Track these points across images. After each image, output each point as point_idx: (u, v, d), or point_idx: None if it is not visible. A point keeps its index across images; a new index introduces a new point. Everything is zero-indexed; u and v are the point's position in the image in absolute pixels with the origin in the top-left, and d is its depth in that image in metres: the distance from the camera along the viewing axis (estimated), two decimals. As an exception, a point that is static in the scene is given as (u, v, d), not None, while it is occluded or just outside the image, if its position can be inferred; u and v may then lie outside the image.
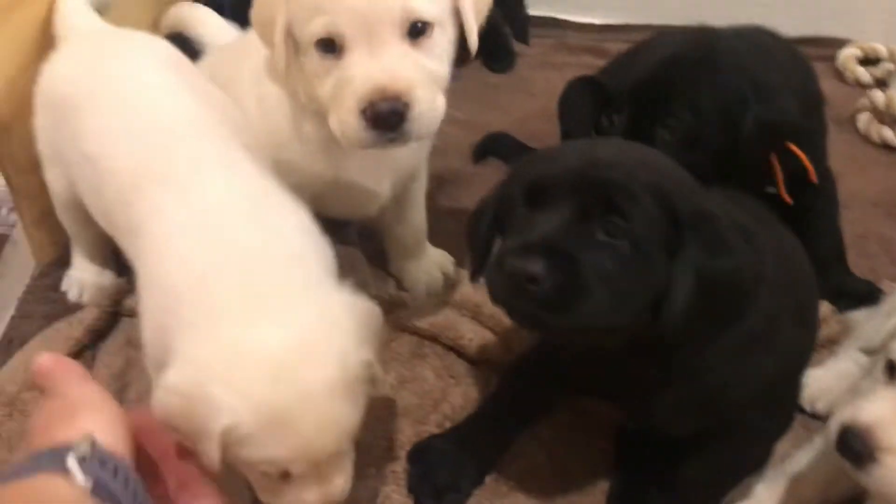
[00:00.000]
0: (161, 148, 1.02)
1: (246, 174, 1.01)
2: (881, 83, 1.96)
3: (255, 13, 1.09)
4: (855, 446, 0.87)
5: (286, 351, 0.85)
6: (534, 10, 2.09)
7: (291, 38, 1.04)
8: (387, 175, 1.23)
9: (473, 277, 1.04)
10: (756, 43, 1.36)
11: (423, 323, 1.32)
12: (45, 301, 1.39)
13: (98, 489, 0.73)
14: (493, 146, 1.75)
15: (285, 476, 0.89)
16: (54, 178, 1.24)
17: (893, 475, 0.85)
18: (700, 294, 0.86)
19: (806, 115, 1.32)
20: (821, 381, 1.25)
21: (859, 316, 1.35)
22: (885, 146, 1.81)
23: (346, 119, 0.99)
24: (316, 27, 0.98)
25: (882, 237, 1.60)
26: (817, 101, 1.42)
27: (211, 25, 1.64)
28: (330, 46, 0.99)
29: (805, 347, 1.09)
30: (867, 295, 1.42)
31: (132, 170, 1.01)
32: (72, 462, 0.72)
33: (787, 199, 1.32)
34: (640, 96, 1.29)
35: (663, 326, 0.87)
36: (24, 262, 1.49)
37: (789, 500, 1.11)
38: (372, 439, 1.18)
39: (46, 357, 0.87)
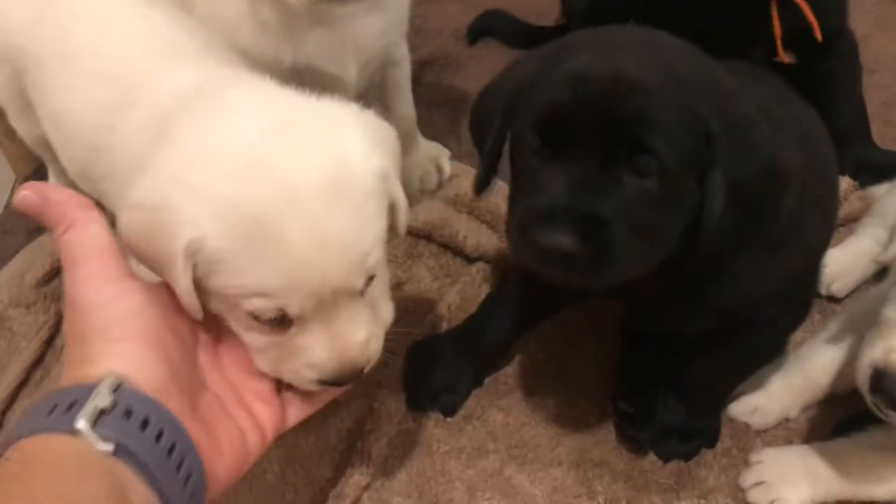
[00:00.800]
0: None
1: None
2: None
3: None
4: (892, 390, 0.83)
5: (265, 142, 0.69)
6: None
7: None
8: (350, 58, 1.11)
9: (478, 189, 0.92)
10: None
11: (417, 221, 1.26)
12: (26, 216, 1.34)
13: (120, 451, 0.60)
14: (491, 25, 1.64)
15: (283, 325, 0.73)
16: (22, 127, 1.16)
17: None
18: (734, 205, 0.78)
19: None
20: (839, 262, 1.20)
21: (880, 190, 1.26)
22: (915, 2, 1.66)
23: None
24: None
25: (905, 103, 1.49)
26: None
27: None
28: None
29: (826, 235, 1.00)
30: (891, 166, 1.32)
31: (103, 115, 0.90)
32: (84, 422, 0.59)
33: (784, 58, 1.21)
34: None
35: (700, 247, 0.80)
36: (3, 178, 1.44)
37: (802, 390, 1.07)
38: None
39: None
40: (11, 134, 1.32)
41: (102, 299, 0.66)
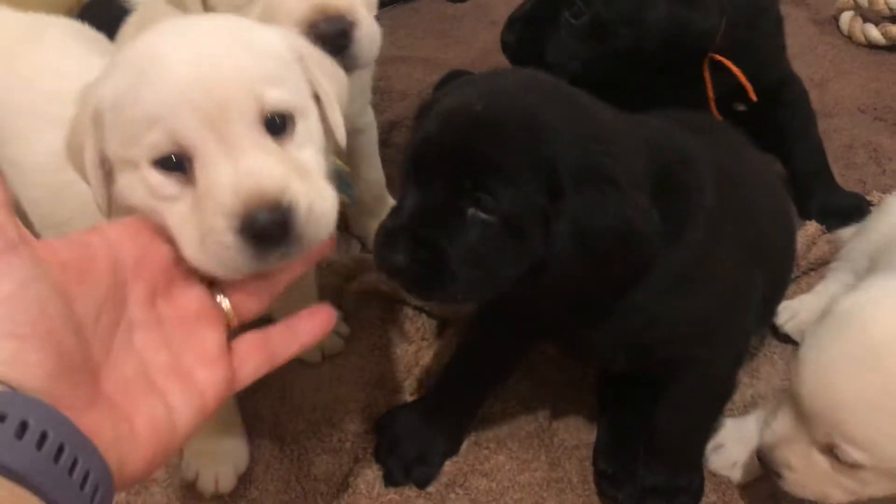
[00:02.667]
0: None
1: None
2: (864, -23, 1.84)
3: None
4: (766, 463, 0.94)
5: (192, 27, 0.76)
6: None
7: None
8: None
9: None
10: None
11: (390, 285, 1.25)
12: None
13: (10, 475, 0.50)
14: (456, 84, 1.65)
15: (188, 171, 0.71)
16: None
17: (796, 485, 0.92)
18: (581, 255, 0.81)
19: (746, 27, 1.22)
20: (810, 309, 1.20)
21: (846, 234, 1.28)
22: (871, 46, 1.71)
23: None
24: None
25: (870, 145, 1.52)
26: (763, 10, 1.29)
27: None
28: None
29: (751, 279, 1.00)
30: (855, 209, 1.35)
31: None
32: None
33: (717, 115, 1.25)
34: None
35: (544, 285, 0.84)
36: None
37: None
38: (344, 412, 1.13)
39: None
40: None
41: None
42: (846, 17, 1.74)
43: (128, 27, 1.30)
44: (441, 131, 0.83)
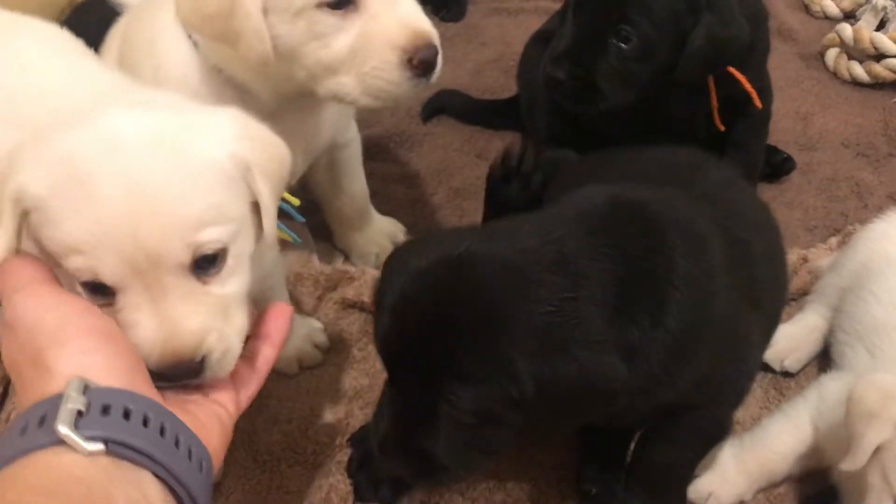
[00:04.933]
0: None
1: None
2: (849, 16, 1.88)
3: None
4: None
5: (120, 116, 0.72)
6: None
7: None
8: (299, 149, 1.09)
9: None
10: None
11: (369, 299, 1.25)
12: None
13: (112, 447, 0.58)
14: (444, 103, 1.66)
15: (106, 294, 0.72)
16: None
17: None
18: (552, 407, 0.81)
19: (751, 35, 1.26)
20: (790, 338, 1.21)
21: (824, 263, 1.29)
22: (855, 83, 1.73)
23: None
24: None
25: (852, 179, 1.53)
26: (760, 18, 1.35)
27: None
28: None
29: (751, 327, 0.96)
30: None
31: None
32: (64, 426, 0.56)
33: (721, 126, 1.32)
34: (587, 6, 1.23)
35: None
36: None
37: (758, 476, 1.07)
38: (320, 425, 1.12)
39: None
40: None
41: (48, 305, 0.66)
42: (832, 54, 1.77)
43: (114, 31, 1.29)
44: (398, 331, 0.81)
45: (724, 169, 1.12)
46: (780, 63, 1.72)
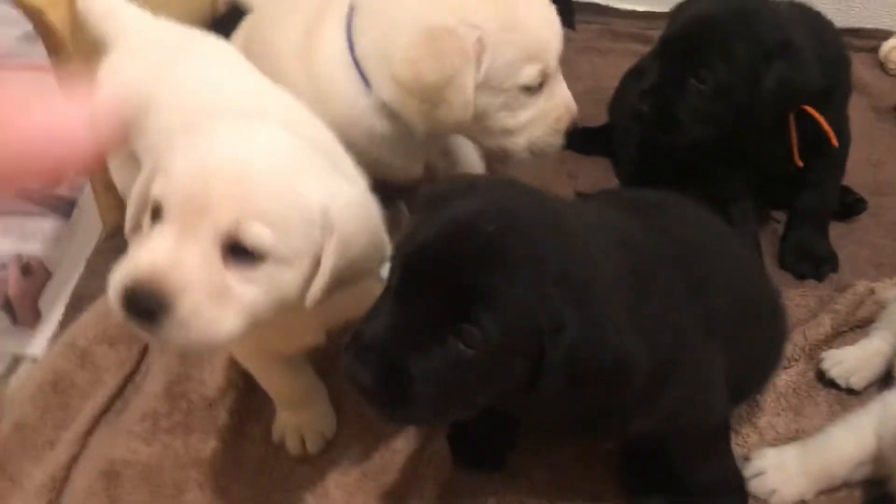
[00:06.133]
0: None
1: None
2: (922, 76, 1.98)
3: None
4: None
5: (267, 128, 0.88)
6: (579, -3, 2.12)
7: None
8: (422, 161, 1.36)
9: None
10: (788, 7, 1.43)
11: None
12: (113, 260, 1.44)
13: None
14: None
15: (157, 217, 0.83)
16: (120, 173, 1.30)
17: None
18: (574, 384, 0.81)
19: (828, 77, 1.38)
20: (856, 359, 1.31)
21: (891, 294, 1.38)
22: (924, 137, 1.83)
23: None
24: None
25: (919, 220, 1.63)
26: (841, 64, 1.47)
27: None
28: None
29: (711, 358, 1.00)
30: (824, 261, 1.50)
31: None
32: None
33: (799, 162, 1.42)
34: (672, 49, 1.38)
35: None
36: (89, 226, 1.56)
37: (819, 478, 1.16)
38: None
39: None
40: (108, 187, 1.45)
41: None
42: (904, 109, 1.87)
43: (240, 30, 1.48)
44: (443, 244, 0.79)
45: (691, 205, 1.13)
46: (854, 114, 1.79)
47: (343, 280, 0.88)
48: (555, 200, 0.88)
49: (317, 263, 0.86)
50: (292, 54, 1.27)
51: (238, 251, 0.81)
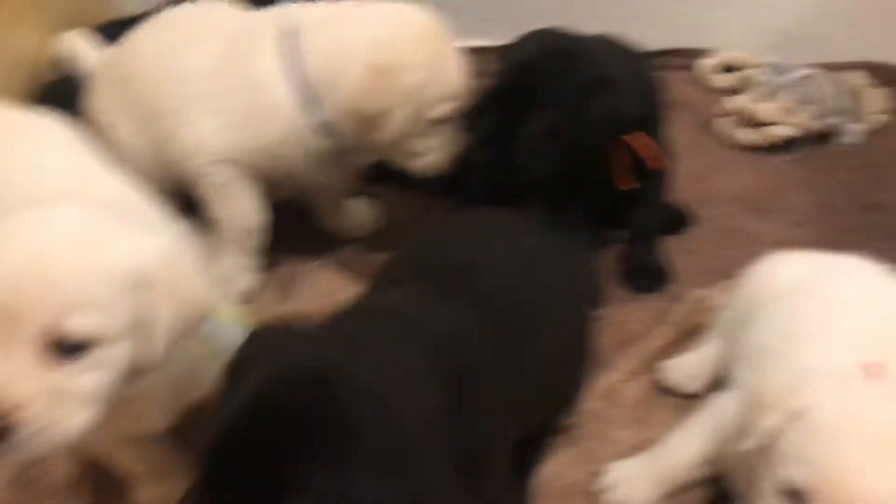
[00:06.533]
0: None
1: None
2: (735, 90, 2.12)
3: None
4: None
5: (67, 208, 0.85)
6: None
7: None
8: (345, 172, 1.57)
9: None
10: (600, 43, 1.53)
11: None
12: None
13: None
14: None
15: None
16: None
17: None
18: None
19: (645, 104, 1.50)
20: (691, 365, 1.39)
21: (719, 302, 1.48)
22: (743, 147, 1.97)
23: None
24: None
25: (743, 231, 1.74)
26: (655, 91, 1.58)
27: (87, 57, 1.69)
28: None
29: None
30: (658, 276, 1.60)
31: None
32: None
33: (623, 186, 1.52)
34: (501, 98, 1.46)
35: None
36: None
37: (663, 483, 1.22)
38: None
39: None
40: None
41: None
42: (722, 122, 2.00)
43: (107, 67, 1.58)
44: (247, 430, 0.75)
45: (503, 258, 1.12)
46: (678, 130, 1.91)
47: (179, 330, 0.87)
48: (360, 339, 0.86)
49: (146, 323, 0.84)
50: (207, 77, 1.40)
51: (65, 344, 0.79)
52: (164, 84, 1.44)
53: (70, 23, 1.83)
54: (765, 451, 1.02)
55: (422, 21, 1.41)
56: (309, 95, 1.38)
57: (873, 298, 1.24)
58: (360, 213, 1.68)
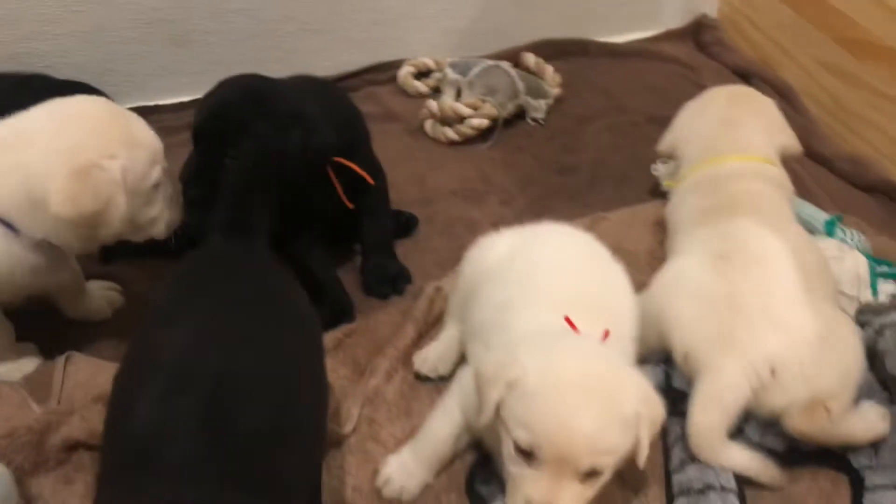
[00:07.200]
0: None
1: None
2: (436, 90, 2.35)
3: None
4: None
5: None
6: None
7: None
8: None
9: None
10: (296, 83, 1.71)
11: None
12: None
13: None
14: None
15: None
16: None
17: None
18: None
19: (343, 132, 1.67)
20: (437, 351, 1.57)
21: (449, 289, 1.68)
22: (451, 143, 2.20)
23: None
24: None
25: (463, 219, 1.97)
26: (353, 118, 1.78)
27: None
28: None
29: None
30: (397, 279, 1.79)
31: None
32: None
33: (349, 204, 1.69)
34: (204, 137, 1.58)
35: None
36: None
37: (434, 462, 1.38)
38: None
39: None
40: None
41: None
42: (429, 124, 2.22)
43: None
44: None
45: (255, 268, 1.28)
46: (392, 139, 2.14)
47: None
48: None
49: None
50: None
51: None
52: None
53: None
54: (499, 420, 1.20)
55: (94, 109, 1.45)
56: (14, 222, 1.39)
57: (565, 257, 1.46)
58: (100, 295, 1.71)
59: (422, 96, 2.35)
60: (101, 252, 1.80)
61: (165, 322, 1.12)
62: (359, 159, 1.71)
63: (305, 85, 1.72)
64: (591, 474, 1.14)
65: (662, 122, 2.14)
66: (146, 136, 1.47)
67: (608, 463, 1.14)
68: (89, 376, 1.50)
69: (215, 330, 1.10)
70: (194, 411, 0.97)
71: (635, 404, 1.16)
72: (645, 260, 1.78)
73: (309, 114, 1.60)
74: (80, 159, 1.36)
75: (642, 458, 1.18)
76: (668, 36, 2.70)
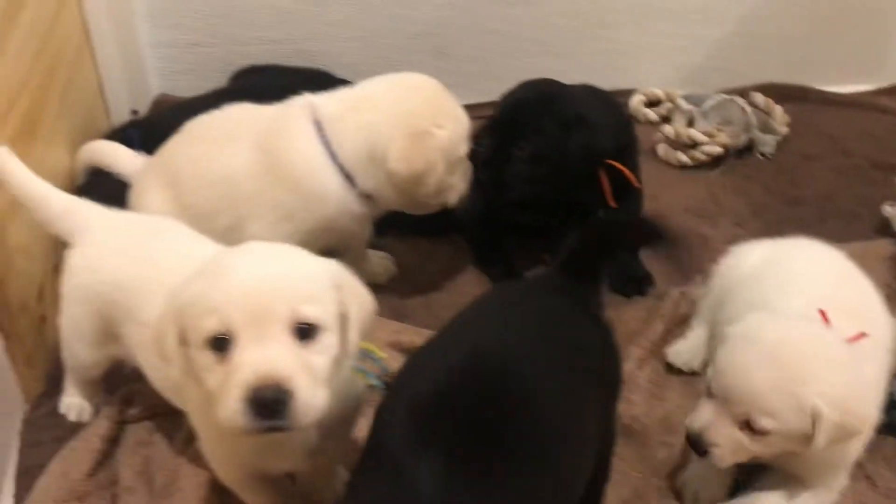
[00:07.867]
0: None
1: None
2: (666, 119, 2.49)
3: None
4: (698, 445, 1.27)
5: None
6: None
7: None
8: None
9: None
10: (583, 90, 1.91)
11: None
12: (48, 427, 1.55)
13: None
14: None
15: (223, 350, 1.00)
16: (86, 349, 1.44)
17: (722, 458, 1.27)
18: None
19: (618, 137, 1.85)
20: (689, 348, 1.70)
21: (699, 295, 1.79)
22: (682, 167, 2.33)
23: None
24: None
25: (697, 235, 2.08)
26: (627, 127, 1.97)
27: (122, 158, 1.87)
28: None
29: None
30: (642, 280, 1.92)
31: None
32: None
33: (614, 204, 1.85)
34: (498, 129, 1.81)
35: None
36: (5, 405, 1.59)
37: None
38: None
39: None
40: (28, 361, 1.55)
41: None
42: (662, 148, 2.36)
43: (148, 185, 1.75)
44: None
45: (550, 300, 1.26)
46: (627, 160, 2.28)
47: (363, 326, 1.11)
48: None
49: (344, 318, 1.07)
50: (253, 175, 1.62)
51: (301, 328, 1.02)
52: (211, 187, 1.65)
53: (85, 134, 2.03)
54: None
55: (426, 84, 1.67)
56: (350, 174, 1.62)
57: (823, 265, 1.55)
58: (378, 262, 1.93)
59: (651, 124, 2.49)
60: (377, 224, 2.04)
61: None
62: (628, 164, 1.87)
63: (590, 93, 1.92)
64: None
65: (887, 168, 2.19)
66: (462, 114, 1.68)
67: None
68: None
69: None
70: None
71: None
72: (884, 293, 1.83)
73: (591, 117, 1.78)
74: (416, 125, 1.58)
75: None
76: (891, 91, 2.74)
